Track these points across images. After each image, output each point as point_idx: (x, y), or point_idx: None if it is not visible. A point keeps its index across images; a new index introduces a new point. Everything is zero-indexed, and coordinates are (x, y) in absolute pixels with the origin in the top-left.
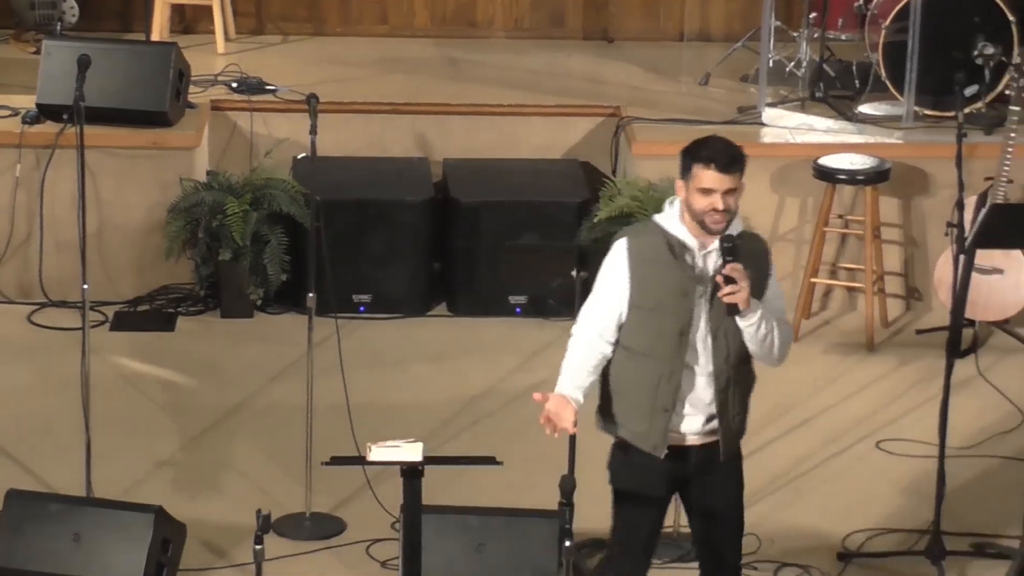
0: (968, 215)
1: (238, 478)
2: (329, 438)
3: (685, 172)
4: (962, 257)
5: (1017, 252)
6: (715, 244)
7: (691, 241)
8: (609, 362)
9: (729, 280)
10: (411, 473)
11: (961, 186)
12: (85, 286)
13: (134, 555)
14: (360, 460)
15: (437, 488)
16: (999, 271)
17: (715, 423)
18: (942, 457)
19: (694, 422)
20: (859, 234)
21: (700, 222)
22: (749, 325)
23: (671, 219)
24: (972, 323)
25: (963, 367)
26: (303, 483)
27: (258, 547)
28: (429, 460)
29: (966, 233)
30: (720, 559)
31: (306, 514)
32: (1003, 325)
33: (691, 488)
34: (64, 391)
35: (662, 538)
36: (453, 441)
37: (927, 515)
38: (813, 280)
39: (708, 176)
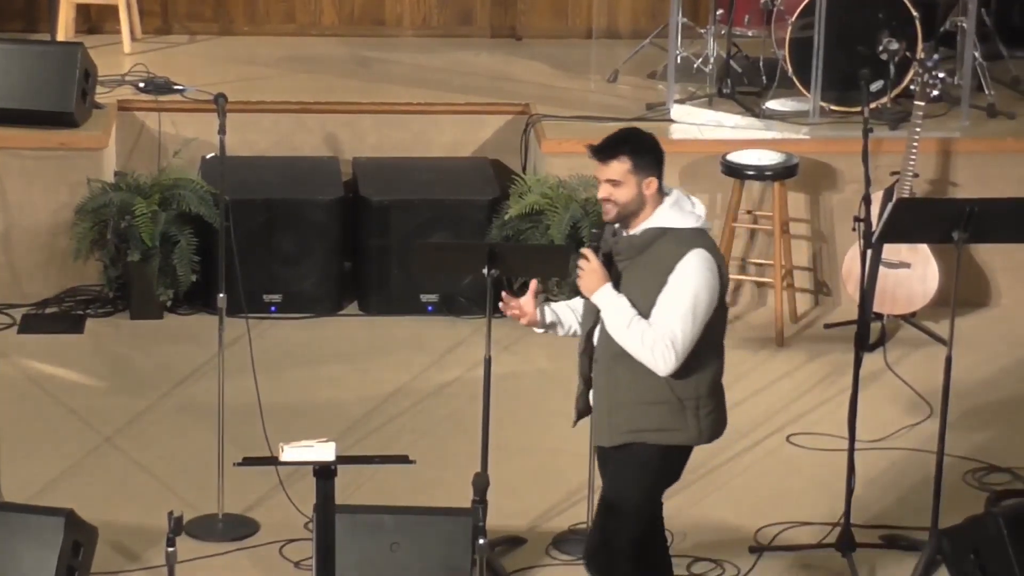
0: (875, 210)
1: (149, 480)
2: (241, 439)
3: None
4: (869, 252)
5: (923, 246)
6: (635, 230)
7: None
8: None
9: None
10: (324, 473)
11: (867, 181)
12: None
13: (45, 559)
14: (272, 460)
15: (350, 488)
16: (906, 265)
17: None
18: (852, 450)
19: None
20: (768, 229)
21: None
22: (601, 312)
23: None
24: (880, 317)
25: (871, 360)
26: (215, 484)
27: (170, 549)
28: (342, 459)
29: (873, 228)
30: (603, 539)
31: (219, 515)
32: (910, 318)
33: None
34: None
35: (571, 534)
36: (366, 440)
37: (837, 508)
38: None
39: (593, 165)
